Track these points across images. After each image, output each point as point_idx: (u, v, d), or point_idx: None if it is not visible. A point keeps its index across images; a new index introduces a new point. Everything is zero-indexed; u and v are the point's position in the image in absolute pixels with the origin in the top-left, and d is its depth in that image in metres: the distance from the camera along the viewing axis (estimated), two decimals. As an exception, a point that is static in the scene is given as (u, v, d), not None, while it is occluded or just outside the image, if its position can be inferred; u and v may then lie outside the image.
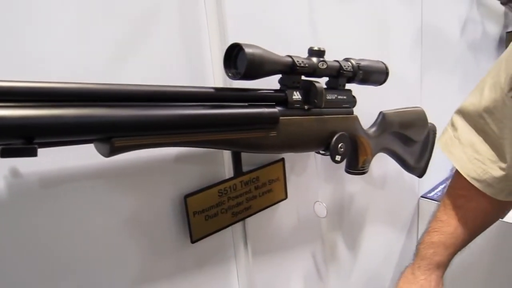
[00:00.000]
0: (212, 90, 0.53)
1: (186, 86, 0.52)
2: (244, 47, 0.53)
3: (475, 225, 0.75)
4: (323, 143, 0.67)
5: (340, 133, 0.68)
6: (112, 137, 0.44)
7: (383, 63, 0.75)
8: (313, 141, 0.65)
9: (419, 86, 1.09)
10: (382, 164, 0.99)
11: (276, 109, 0.58)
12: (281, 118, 0.59)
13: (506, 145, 0.66)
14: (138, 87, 0.47)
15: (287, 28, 0.73)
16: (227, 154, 0.67)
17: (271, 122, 0.58)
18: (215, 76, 0.63)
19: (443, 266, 0.76)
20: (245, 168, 0.67)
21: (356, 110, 0.75)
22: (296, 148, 0.64)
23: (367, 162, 0.78)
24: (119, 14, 0.52)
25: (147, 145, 0.47)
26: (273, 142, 0.59)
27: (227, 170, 0.67)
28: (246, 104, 0.57)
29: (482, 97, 0.68)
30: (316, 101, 0.63)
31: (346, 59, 0.70)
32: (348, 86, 0.72)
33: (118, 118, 0.43)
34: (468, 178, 0.71)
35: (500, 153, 0.68)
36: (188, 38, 0.60)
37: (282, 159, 0.73)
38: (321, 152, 0.70)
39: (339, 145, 0.68)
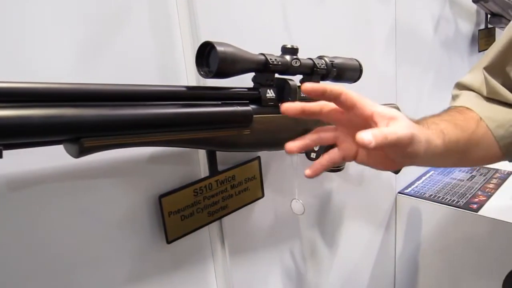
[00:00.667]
0: (183, 88, 0.53)
1: (157, 85, 0.52)
2: (216, 46, 0.52)
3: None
4: (298, 141, 0.67)
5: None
6: (80, 137, 0.43)
7: (356, 60, 0.76)
8: (288, 139, 0.65)
9: (394, 83, 1.10)
10: (359, 161, 1.00)
11: (249, 107, 0.58)
12: (254, 116, 0.59)
13: None
14: (108, 87, 0.47)
15: (262, 26, 0.74)
16: (202, 153, 0.66)
17: (244, 121, 0.58)
18: (188, 75, 0.63)
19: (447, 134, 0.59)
20: (221, 167, 0.67)
21: None
22: (271, 146, 0.64)
23: (343, 159, 0.78)
24: (87, 13, 0.52)
25: (117, 145, 0.47)
26: (247, 140, 0.59)
27: (203, 169, 0.67)
28: (220, 102, 0.57)
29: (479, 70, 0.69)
30: (290, 98, 0.63)
31: (320, 57, 0.71)
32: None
33: (87, 118, 0.43)
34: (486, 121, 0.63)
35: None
36: (159, 36, 0.59)
37: (258, 157, 0.73)
38: (296, 149, 0.70)
39: (314, 142, 0.68)
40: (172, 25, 0.60)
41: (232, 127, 0.57)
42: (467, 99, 0.69)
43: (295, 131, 0.66)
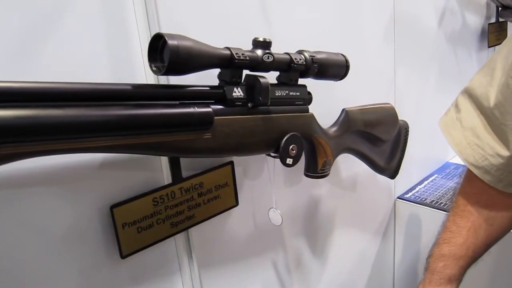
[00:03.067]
0: (129, 87, 0.47)
1: (99, 83, 0.45)
2: (167, 39, 0.46)
3: (489, 236, 0.70)
4: (272, 145, 0.61)
5: (291, 133, 0.61)
6: (-4, 143, 0.37)
7: (343, 55, 0.68)
8: (259, 143, 0.59)
9: (392, 81, 1.02)
10: (353, 165, 0.93)
11: (209, 108, 0.52)
12: (217, 118, 0.53)
13: (508, 132, 0.61)
14: (36, 85, 0.40)
15: (238, 17, 0.67)
16: (165, 159, 0.60)
17: (203, 123, 0.51)
18: (147, 72, 0.56)
19: (455, 279, 0.69)
20: (186, 173, 0.61)
21: (321, 108, 0.69)
22: (239, 151, 0.58)
23: (328, 164, 0.71)
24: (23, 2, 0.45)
25: (44, 152, 0.40)
26: (207, 145, 0.53)
27: (166, 176, 0.61)
28: (177, 102, 0.51)
29: (493, 78, 0.62)
30: (260, 98, 0.56)
31: (300, 51, 0.64)
32: (306, 81, 0.65)
33: (4, 120, 0.37)
34: (466, 164, 0.67)
35: (502, 139, 0.63)
36: (111, 26, 0.53)
37: (231, 162, 0.66)
38: (272, 154, 0.64)
39: (290, 147, 0.61)
40: (126, 15, 0.54)
41: (189, 131, 0.50)
42: (460, 135, 0.68)
43: (268, 135, 0.59)
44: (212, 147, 0.53)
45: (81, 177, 0.53)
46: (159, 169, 0.60)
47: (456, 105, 0.70)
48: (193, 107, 0.50)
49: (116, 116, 0.43)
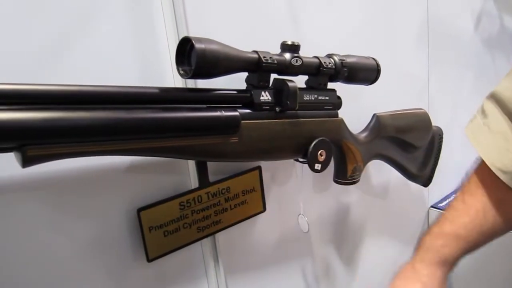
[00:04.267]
0: (160, 90, 0.47)
1: (129, 86, 0.46)
2: (194, 42, 0.46)
3: (496, 222, 0.63)
4: (300, 150, 0.60)
5: (320, 138, 0.60)
6: (24, 144, 0.38)
7: (374, 59, 0.67)
8: (287, 148, 0.58)
9: (426, 87, 0.99)
10: (384, 172, 0.90)
11: (236, 112, 0.51)
12: (245, 122, 0.52)
13: None
14: (64, 87, 0.41)
15: (266, 21, 0.66)
16: (192, 162, 0.60)
17: (230, 127, 0.51)
18: (175, 75, 0.57)
19: (451, 263, 0.63)
20: (213, 178, 0.61)
21: (351, 113, 0.68)
22: (266, 155, 0.57)
23: (358, 170, 0.70)
24: (55, 4, 0.46)
25: (71, 154, 0.41)
26: (234, 149, 0.52)
27: (193, 180, 0.60)
28: (204, 106, 0.50)
29: None
30: (288, 102, 0.55)
31: (329, 55, 0.63)
32: (335, 85, 0.64)
33: (30, 123, 0.37)
34: (492, 168, 0.61)
35: None
36: (140, 30, 0.53)
37: (259, 167, 0.65)
38: (300, 160, 0.63)
39: (319, 152, 0.60)
40: (155, 17, 0.54)
41: (215, 134, 0.50)
42: (489, 140, 0.64)
43: (296, 140, 0.58)
44: (239, 151, 0.53)
45: (109, 180, 0.53)
46: (186, 173, 0.60)
47: (483, 111, 0.67)
48: (220, 111, 0.50)
49: (143, 119, 0.43)
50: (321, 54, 0.62)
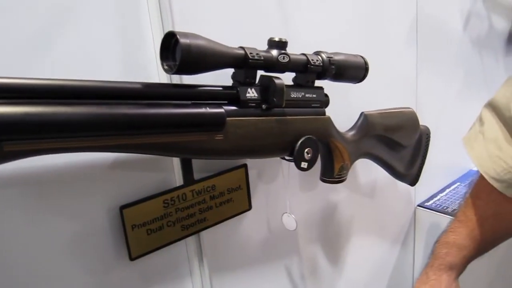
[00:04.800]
0: (143, 85, 0.46)
1: (111, 81, 0.44)
2: (179, 37, 0.45)
3: (494, 232, 0.70)
4: (286, 148, 0.59)
5: (307, 136, 0.59)
6: (1, 140, 0.36)
7: (362, 57, 0.66)
8: (273, 146, 0.57)
9: (414, 85, 0.99)
10: (371, 170, 0.90)
11: (222, 109, 0.50)
12: (230, 119, 0.51)
13: None
14: (42, 81, 0.40)
15: (255, 17, 0.65)
16: (177, 159, 0.59)
17: (215, 124, 0.50)
18: (160, 71, 0.55)
19: (456, 268, 0.70)
20: (199, 175, 0.60)
21: (339, 111, 0.67)
22: (252, 153, 0.56)
23: (345, 169, 0.69)
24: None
25: (52, 150, 0.40)
26: (220, 146, 0.51)
27: (178, 178, 0.59)
28: (189, 102, 0.49)
29: None
30: (275, 99, 0.55)
31: (317, 53, 0.62)
32: (323, 83, 0.63)
33: (6, 117, 0.36)
34: (486, 177, 0.66)
35: None
36: (124, 24, 0.52)
37: (245, 165, 0.64)
38: (286, 158, 0.62)
39: (305, 150, 0.59)
40: (140, 11, 0.53)
41: (200, 132, 0.49)
42: (482, 147, 0.68)
43: (283, 137, 0.58)
44: (224, 149, 0.52)
45: (91, 177, 0.52)
46: (171, 170, 0.59)
47: (480, 119, 0.69)
48: (205, 108, 0.49)
49: (125, 115, 0.42)
50: (310, 51, 0.62)
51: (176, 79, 0.56)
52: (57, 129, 0.39)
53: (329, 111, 0.65)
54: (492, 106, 0.66)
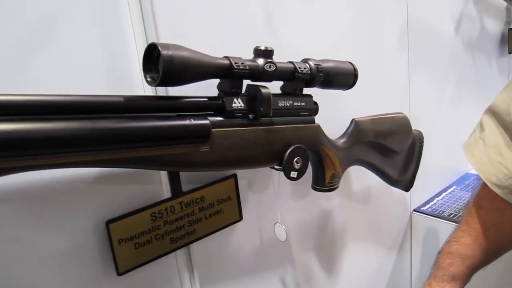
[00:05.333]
0: (125, 99, 0.45)
1: (92, 95, 0.44)
2: (160, 49, 0.44)
3: (498, 241, 0.68)
4: (275, 158, 0.58)
5: (296, 145, 0.59)
6: (-24, 158, 0.36)
7: (351, 63, 0.66)
8: (261, 156, 0.56)
9: (406, 90, 0.99)
10: (365, 177, 0.89)
11: (206, 120, 0.49)
12: (216, 130, 0.51)
13: None
14: (21, 97, 0.39)
15: (242, 26, 0.65)
16: (164, 172, 0.58)
17: (200, 136, 0.49)
18: (145, 83, 0.54)
19: (460, 279, 0.69)
20: (187, 187, 0.59)
21: (331, 119, 0.67)
22: (240, 164, 0.55)
23: (336, 177, 0.68)
24: (16, 9, 0.44)
25: (29, 168, 0.39)
26: (206, 158, 0.50)
27: (166, 190, 0.59)
28: (173, 114, 0.49)
29: None
30: (262, 109, 0.54)
31: (304, 60, 0.61)
32: (314, 91, 0.63)
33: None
34: (488, 183, 0.65)
35: None
36: (107, 36, 0.51)
37: (234, 175, 0.64)
38: (275, 167, 0.61)
39: (295, 159, 0.59)
40: (123, 24, 0.52)
41: (185, 144, 0.48)
42: (482, 153, 0.66)
43: (271, 147, 0.57)
44: (211, 160, 0.51)
45: (77, 191, 0.51)
46: (159, 183, 0.58)
47: (481, 125, 0.68)
48: (189, 119, 0.48)
49: (106, 129, 0.41)
50: (299, 59, 0.61)
51: (162, 90, 0.56)
52: (37, 146, 0.38)
53: (320, 118, 0.64)
54: (492, 112, 0.65)
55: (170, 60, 0.44)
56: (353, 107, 0.78)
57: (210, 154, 0.51)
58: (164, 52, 0.44)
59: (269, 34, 0.69)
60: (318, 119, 0.64)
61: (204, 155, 0.50)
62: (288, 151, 0.58)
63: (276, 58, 0.56)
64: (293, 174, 0.59)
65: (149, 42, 0.53)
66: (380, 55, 0.90)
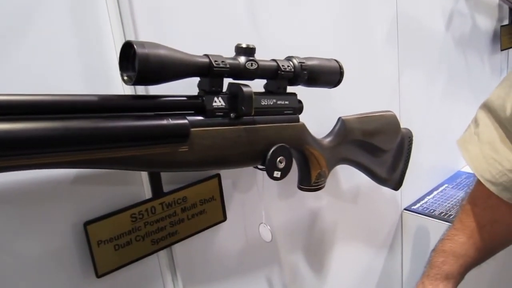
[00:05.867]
0: (100, 98, 0.44)
1: (66, 95, 0.43)
2: (136, 47, 0.43)
3: (492, 240, 0.68)
4: (258, 157, 0.57)
5: (279, 145, 0.58)
6: None
7: (336, 61, 0.65)
8: (243, 156, 0.55)
9: (396, 88, 0.98)
10: (354, 176, 0.88)
11: (185, 120, 0.48)
12: (195, 130, 0.50)
13: None
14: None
15: (225, 24, 0.64)
16: (145, 172, 0.57)
17: (178, 135, 0.48)
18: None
19: (453, 277, 0.68)
20: (169, 187, 0.58)
21: (318, 117, 0.67)
22: (221, 164, 0.54)
23: (322, 176, 0.68)
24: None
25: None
26: (185, 158, 0.49)
27: (147, 191, 0.58)
28: (151, 114, 0.48)
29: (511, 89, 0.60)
30: (243, 108, 0.53)
31: (288, 58, 0.60)
32: (300, 89, 0.62)
33: None
34: (482, 180, 0.64)
35: None
36: (84, 34, 0.50)
37: (218, 175, 0.63)
38: (259, 167, 0.60)
39: (278, 159, 0.58)
40: (100, 21, 0.51)
41: (162, 144, 0.47)
42: (477, 150, 0.66)
43: (253, 147, 0.56)
44: (190, 161, 0.50)
45: (54, 192, 0.50)
46: (140, 183, 0.57)
47: (475, 120, 0.67)
48: (167, 119, 0.47)
49: (78, 129, 0.40)
50: (284, 56, 0.60)
51: (142, 90, 0.55)
52: (7, 147, 0.37)
53: (307, 117, 0.63)
54: (487, 107, 0.65)
55: (146, 59, 0.43)
56: (341, 105, 0.77)
57: (190, 154, 0.50)
58: (139, 50, 0.43)
59: (253, 31, 0.68)
60: (304, 117, 0.63)
61: (183, 155, 0.49)
62: (271, 151, 0.57)
63: (260, 56, 0.55)
64: (277, 174, 0.58)
65: (127, 39, 0.52)
66: (369, 52, 0.89)
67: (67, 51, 0.49)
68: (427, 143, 1.08)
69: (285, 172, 0.59)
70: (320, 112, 0.74)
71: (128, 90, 0.54)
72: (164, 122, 0.47)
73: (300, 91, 0.63)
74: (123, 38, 0.52)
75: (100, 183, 0.54)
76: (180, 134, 0.48)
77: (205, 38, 0.61)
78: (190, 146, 0.49)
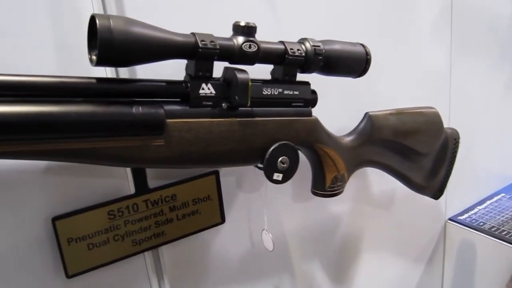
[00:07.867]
0: (61, 80, 0.38)
1: (16, 75, 0.37)
2: (97, 20, 0.36)
3: None
4: (255, 156, 0.49)
5: (281, 143, 0.49)
6: None
7: (362, 45, 0.55)
8: (235, 153, 0.48)
9: (447, 81, 0.85)
10: (388, 178, 0.77)
11: (160, 109, 0.41)
12: (174, 121, 0.42)
13: None
14: None
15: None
16: (129, 164, 0.51)
17: (149, 127, 0.41)
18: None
19: None
20: (156, 183, 0.52)
21: (344, 112, 0.58)
22: (205, 162, 0.47)
23: (339, 180, 0.58)
24: None
25: None
26: (159, 154, 0.42)
27: (132, 186, 0.52)
28: (116, 100, 0.41)
29: None
30: (237, 97, 0.45)
31: (301, 40, 0.51)
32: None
33: None
34: None
35: None
36: (60, 8, 0.44)
37: (216, 172, 0.56)
38: (259, 166, 0.52)
39: (279, 159, 0.49)
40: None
41: (131, 136, 0.40)
42: None
43: (249, 143, 0.48)
44: (165, 157, 0.43)
45: (24, 183, 0.46)
46: (124, 177, 0.51)
47: None
48: (136, 107, 0.40)
49: (16, 115, 0.35)
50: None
51: (124, 72, 0.48)
52: None
53: (328, 112, 0.54)
54: None
55: (109, 34, 0.36)
56: (373, 99, 0.67)
57: (166, 149, 0.43)
58: (101, 22, 0.36)
59: (268, 10, 0.59)
60: (325, 112, 0.54)
61: (158, 150, 0.42)
62: (270, 149, 0.48)
63: (274, 38, 0.47)
64: (277, 176, 0.50)
65: (109, 13, 0.46)
66: (413, 38, 0.77)
67: (41, 28, 0.44)
68: (480, 146, 0.94)
69: (288, 174, 0.50)
70: (349, 107, 0.64)
71: (110, 73, 0.48)
72: (132, 110, 0.40)
73: (320, 80, 0.53)
74: (102, 12, 0.46)
75: (76, 174, 0.48)
76: (152, 126, 0.41)
77: (202, 17, 0.53)
78: (167, 139, 0.42)
